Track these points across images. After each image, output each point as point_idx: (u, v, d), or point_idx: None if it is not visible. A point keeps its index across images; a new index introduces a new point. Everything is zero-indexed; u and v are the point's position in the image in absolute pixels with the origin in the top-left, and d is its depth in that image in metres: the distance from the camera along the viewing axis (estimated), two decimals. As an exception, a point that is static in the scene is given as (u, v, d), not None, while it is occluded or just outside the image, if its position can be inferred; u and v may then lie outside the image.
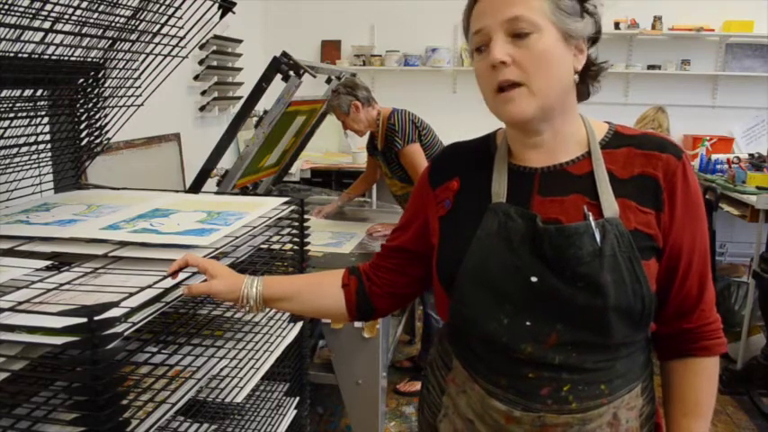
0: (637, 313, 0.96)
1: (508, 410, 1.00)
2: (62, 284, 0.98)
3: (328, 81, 3.22)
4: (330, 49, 5.34)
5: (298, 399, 1.71)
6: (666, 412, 1.10)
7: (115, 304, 0.85)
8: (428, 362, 1.20)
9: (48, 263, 1.10)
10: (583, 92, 1.05)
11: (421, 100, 5.20)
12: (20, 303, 0.88)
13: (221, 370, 1.21)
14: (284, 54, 2.16)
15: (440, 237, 1.09)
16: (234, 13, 1.60)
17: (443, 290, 1.06)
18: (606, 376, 1.00)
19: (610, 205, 0.97)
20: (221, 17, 1.58)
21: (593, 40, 1.02)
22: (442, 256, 1.07)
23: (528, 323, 0.98)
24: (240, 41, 4.10)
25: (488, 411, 1.03)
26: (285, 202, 1.48)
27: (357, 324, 2.26)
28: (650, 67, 5.06)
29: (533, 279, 0.97)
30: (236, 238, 1.19)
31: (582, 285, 0.94)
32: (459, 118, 4.35)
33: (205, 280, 1.08)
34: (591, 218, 0.96)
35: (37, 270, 1.05)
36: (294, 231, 1.52)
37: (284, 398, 1.69)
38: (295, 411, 1.69)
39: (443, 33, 5.22)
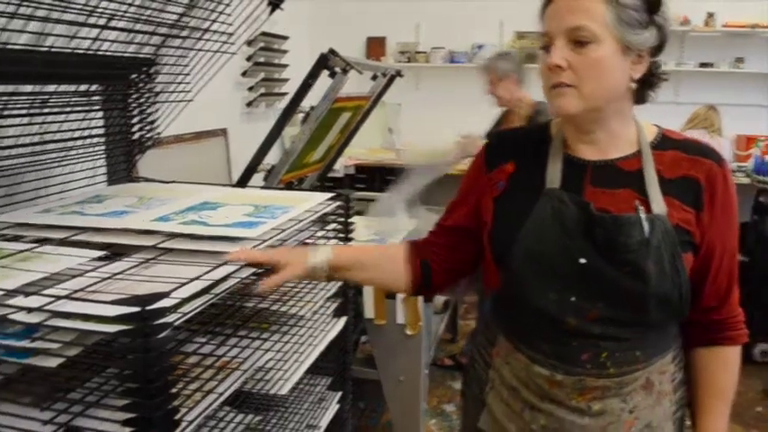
0: (675, 301, 1.07)
1: (551, 375, 1.11)
2: (115, 274, 1.00)
3: (374, 78, 3.22)
4: (375, 46, 5.35)
5: (340, 393, 1.73)
6: (693, 394, 1.21)
7: (166, 294, 0.86)
8: (475, 344, 1.33)
9: (101, 253, 1.12)
10: (640, 96, 1.12)
11: (466, 97, 5.15)
12: (75, 291, 0.91)
13: (267, 362, 1.22)
14: (331, 51, 2.17)
15: (494, 215, 1.18)
16: (282, 9, 1.62)
17: (495, 264, 1.16)
18: (641, 346, 1.10)
19: (658, 202, 1.07)
20: (270, 13, 1.60)
21: (657, 48, 1.07)
22: (496, 234, 1.16)
23: (573, 299, 1.08)
24: (287, 38, 4.13)
25: (532, 378, 1.13)
26: (331, 198, 1.49)
27: (399, 321, 2.26)
28: (702, 65, 4.92)
29: (582, 261, 1.07)
30: (283, 231, 1.21)
31: (627, 270, 1.04)
32: (504, 115, 4.30)
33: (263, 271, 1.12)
34: (642, 212, 1.05)
35: (91, 260, 1.08)
36: (339, 227, 1.53)
37: (327, 392, 1.70)
38: (338, 406, 1.70)
39: (489, 30, 5.16)
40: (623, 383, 1.10)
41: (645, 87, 1.11)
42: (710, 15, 4.81)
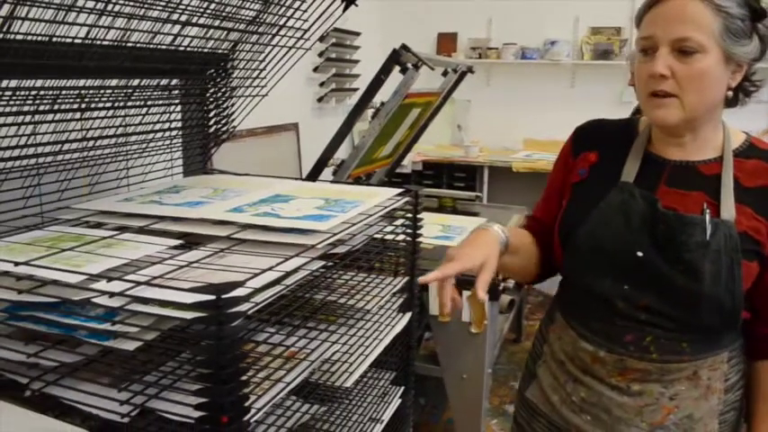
0: (727, 307, 1.07)
1: (594, 351, 1.17)
2: (191, 262, 1.04)
3: (445, 74, 3.21)
4: (446, 42, 5.32)
5: (403, 388, 1.73)
6: (751, 409, 1.20)
7: (241, 284, 0.88)
8: (539, 327, 1.38)
9: (177, 241, 1.16)
10: (731, 101, 1.12)
11: (538, 94, 5.09)
12: (154, 278, 0.94)
13: (333, 354, 1.24)
14: (404, 46, 2.18)
15: (569, 199, 1.24)
16: (357, 5, 1.63)
17: (560, 244, 1.22)
18: (688, 338, 1.11)
19: (728, 209, 1.07)
20: (344, 9, 1.61)
21: (756, 59, 1.08)
22: (565, 216, 1.22)
23: (625, 287, 1.12)
24: (358, 34, 4.16)
25: (578, 353, 1.20)
26: (399, 193, 1.49)
27: (465, 318, 2.25)
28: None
29: (639, 254, 1.10)
30: (353, 225, 1.22)
31: (682, 269, 1.06)
32: (577, 113, 4.21)
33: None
34: (708, 215, 1.06)
35: (168, 248, 1.12)
36: (407, 223, 1.53)
37: (390, 386, 1.71)
38: (400, 400, 1.70)
39: (563, 26, 5.05)
40: (666, 371, 1.12)
41: (737, 93, 1.11)
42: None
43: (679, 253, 1.06)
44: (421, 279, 1.05)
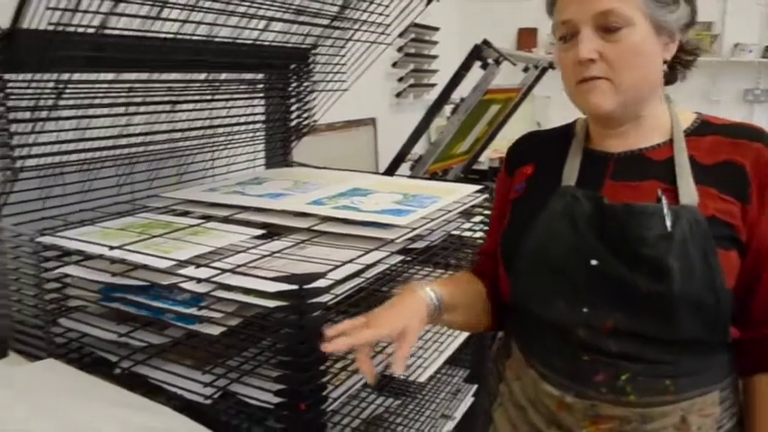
0: (709, 307, 0.88)
1: (560, 395, 0.96)
2: (273, 252, 1.06)
3: (525, 70, 3.16)
4: (526, 37, 5.23)
5: (476, 386, 1.72)
6: None
7: (322, 275, 0.90)
8: (493, 353, 1.18)
9: (260, 231, 1.19)
10: (671, 77, 1.01)
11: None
12: (238, 266, 0.97)
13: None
14: (485, 42, 2.16)
15: (509, 219, 1.06)
16: (438, 0, 1.63)
17: (504, 269, 1.04)
18: (671, 371, 0.92)
19: (689, 192, 0.90)
20: (427, 4, 1.61)
21: (688, 25, 0.96)
22: (505, 236, 1.05)
23: (584, 309, 0.92)
24: (437, 29, 4.14)
25: (541, 397, 0.99)
26: (478, 190, 1.48)
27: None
28: None
29: (593, 262, 0.92)
30: (432, 221, 1.22)
31: (645, 271, 0.88)
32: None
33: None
34: (664, 201, 0.90)
35: (251, 237, 1.15)
36: (485, 220, 1.52)
37: (463, 384, 1.70)
38: (472, 399, 1.69)
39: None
40: (648, 417, 0.92)
41: (676, 66, 1.00)
42: None
43: (638, 251, 0.89)
44: (325, 347, 0.84)
